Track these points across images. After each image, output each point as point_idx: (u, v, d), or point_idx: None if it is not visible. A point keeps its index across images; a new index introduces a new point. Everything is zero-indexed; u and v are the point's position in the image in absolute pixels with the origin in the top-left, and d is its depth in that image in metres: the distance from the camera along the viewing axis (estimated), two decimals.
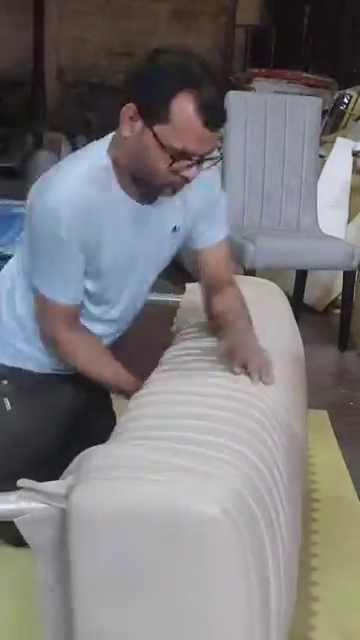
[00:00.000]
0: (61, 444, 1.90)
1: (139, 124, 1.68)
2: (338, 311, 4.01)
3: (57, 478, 1.08)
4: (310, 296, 4.30)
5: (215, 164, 1.74)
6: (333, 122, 6.29)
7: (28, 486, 1.06)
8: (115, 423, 1.48)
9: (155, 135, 1.63)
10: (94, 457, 1.07)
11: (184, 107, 1.60)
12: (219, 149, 1.80)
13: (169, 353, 1.70)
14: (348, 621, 1.73)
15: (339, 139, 4.99)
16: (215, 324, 1.84)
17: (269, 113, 3.92)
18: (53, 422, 1.95)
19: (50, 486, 1.05)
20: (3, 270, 2.01)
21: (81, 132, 9.24)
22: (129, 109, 1.69)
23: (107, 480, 1.01)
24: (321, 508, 2.20)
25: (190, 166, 1.66)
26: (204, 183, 1.83)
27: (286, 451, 1.34)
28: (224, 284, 1.97)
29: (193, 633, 1.00)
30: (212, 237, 2.00)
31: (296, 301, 4.17)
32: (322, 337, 3.95)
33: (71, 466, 1.10)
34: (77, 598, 1.01)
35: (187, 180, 1.69)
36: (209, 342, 1.72)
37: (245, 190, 3.93)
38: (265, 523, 1.07)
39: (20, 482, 1.07)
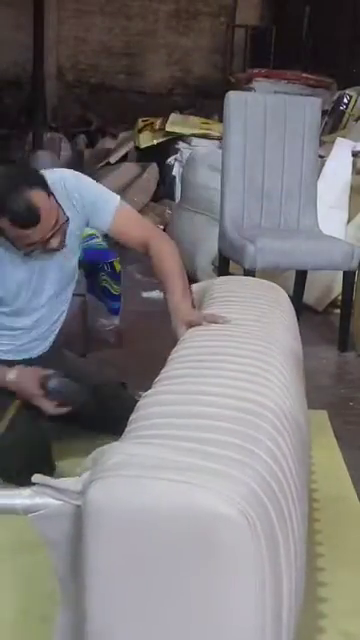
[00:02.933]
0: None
1: None
2: (338, 311, 4.01)
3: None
4: (310, 296, 4.30)
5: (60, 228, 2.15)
6: (333, 122, 6.29)
7: (42, 482, 1.06)
8: None
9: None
10: (110, 454, 1.07)
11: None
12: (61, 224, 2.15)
13: (176, 352, 1.70)
14: (355, 622, 1.73)
15: (339, 139, 4.99)
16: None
17: (269, 113, 3.92)
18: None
19: (66, 482, 1.05)
20: None
21: (81, 132, 9.26)
22: None
23: (124, 477, 1.01)
24: (321, 508, 2.20)
25: (43, 245, 2.13)
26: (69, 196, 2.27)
27: (296, 451, 1.34)
28: (147, 241, 2.35)
29: (205, 632, 1.00)
30: (107, 213, 2.35)
31: (296, 301, 4.17)
32: (322, 337, 3.96)
33: (86, 462, 1.10)
34: (89, 594, 1.01)
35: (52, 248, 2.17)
36: (217, 341, 1.72)
37: (245, 190, 3.93)
38: (279, 523, 1.08)
39: (35, 478, 1.08)
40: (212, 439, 1.13)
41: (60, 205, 2.15)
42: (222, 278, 2.94)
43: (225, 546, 0.96)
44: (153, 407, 1.33)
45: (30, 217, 2.05)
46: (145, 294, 2.44)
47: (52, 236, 2.12)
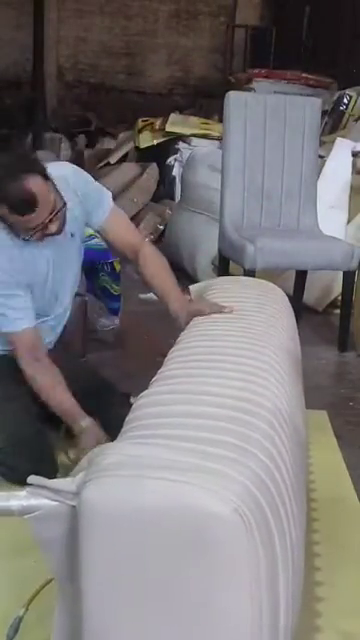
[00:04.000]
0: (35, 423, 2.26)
1: None
2: (338, 311, 4.01)
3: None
4: (310, 296, 4.30)
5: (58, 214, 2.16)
6: (333, 122, 6.30)
7: (38, 483, 1.06)
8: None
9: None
10: (105, 455, 1.07)
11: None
12: (58, 211, 2.16)
13: (173, 352, 1.71)
14: (353, 622, 1.73)
15: (338, 139, 4.99)
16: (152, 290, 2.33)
17: (269, 113, 3.92)
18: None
19: (61, 483, 1.05)
20: None
21: (81, 132, 9.26)
22: None
23: (118, 477, 1.01)
24: (321, 508, 2.20)
25: (41, 230, 2.15)
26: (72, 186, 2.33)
27: (293, 451, 1.34)
28: (139, 247, 2.40)
29: (202, 630, 1.00)
30: (104, 208, 2.43)
31: (296, 301, 4.17)
32: (322, 337, 3.96)
33: (81, 463, 1.10)
34: (86, 594, 1.01)
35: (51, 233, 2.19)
36: (214, 341, 1.72)
37: (245, 190, 3.93)
38: (275, 521, 1.07)
39: (30, 479, 1.08)
40: (208, 438, 1.13)
41: (58, 191, 2.17)
42: (220, 278, 2.94)
43: (220, 544, 0.96)
44: (149, 407, 1.33)
45: (27, 203, 2.08)
46: (142, 296, 2.46)
47: (50, 221, 2.15)
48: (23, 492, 1.07)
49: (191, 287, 2.41)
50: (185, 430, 1.17)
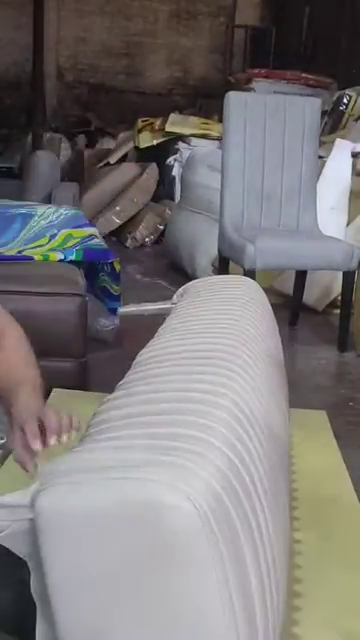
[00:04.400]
0: None
1: None
2: (338, 311, 4.01)
3: None
4: (310, 296, 4.30)
5: None
6: (333, 122, 6.30)
7: None
8: None
9: None
10: (57, 463, 1.05)
11: None
12: None
13: (141, 355, 1.68)
14: (356, 622, 1.73)
15: (338, 140, 4.99)
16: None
17: (268, 113, 3.93)
18: None
19: (14, 498, 1.03)
20: None
21: (81, 132, 9.26)
22: None
23: (73, 483, 0.99)
24: (321, 508, 2.20)
25: None
26: None
27: (266, 450, 1.31)
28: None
29: (175, 631, 0.99)
30: None
31: (296, 301, 4.18)
32: (322, 337, 3.96)
33: (39, 474, 1.08)
34: (55, 604, 1.00)
35: None
36: (183, 339, 1.68)
37: (245, 191, 3.93)
38: (238, 515, 1.06)
39: None
40: (167, 433, 1.11)
41: None
42: (201, 279, 2.91)
43: (176, 536, 0.95)
44: (109, 411, 1.31)
45: None
46: (121, 310, 2.36)
47: None
48: None
49: (181, 290, 2.30)
50: (142, 429, 1.15)
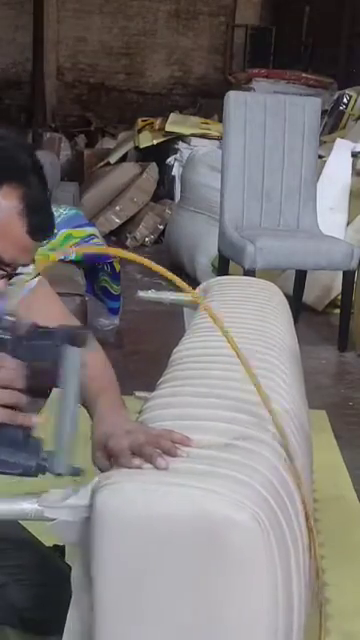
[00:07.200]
0: None
1: None
2: (337, 311, 4.01)
3: None
4: (310, 296, 4.30)
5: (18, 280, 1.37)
6: (333, 122, 6.30)
7: (49, 505, 1.03)
8: None
9: None
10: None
11: (5, 205, 1.17)
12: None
13: (177, 353, 1.69)
14: (357, 622, 1.73)
15: (338, 140, 4.99)
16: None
17: (268, 113, 3.93)
18: None
19: (73, 498, 1.03)
20: None
21: (81, 132, 9.27)
22: None
23: (132, 483, 1.00)
24: (321, 508, 2.20)
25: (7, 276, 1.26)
26: None
27: (303, 453, 1.33)
28: None
29: (222, 636, 0.99)
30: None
31: (296, 301, 4.17)
32: (322, 337, 3.96)
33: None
34: (99, 602, 1.00)
35: None
36: (218, 341, 1.69)
37: (245, 190, 3.93)
38: (287, 524, 1.07)
39: (41, 501, 1.04)
40: (221, 443, 1.12)
41: None
42: (218, 278, 2.93)
43: (238, 551, 0.95)
44: (158, 410, 1.32)
45: (48, 222, 1.30)
46: (142, 294, 2.37)
47: (15, 269, 1.30)
48: (35, 499, 1.05)
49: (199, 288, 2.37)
50: (194, 434, 1.16)
